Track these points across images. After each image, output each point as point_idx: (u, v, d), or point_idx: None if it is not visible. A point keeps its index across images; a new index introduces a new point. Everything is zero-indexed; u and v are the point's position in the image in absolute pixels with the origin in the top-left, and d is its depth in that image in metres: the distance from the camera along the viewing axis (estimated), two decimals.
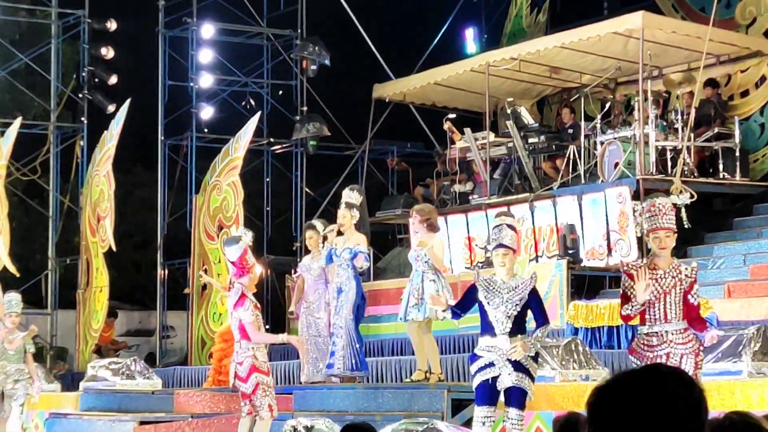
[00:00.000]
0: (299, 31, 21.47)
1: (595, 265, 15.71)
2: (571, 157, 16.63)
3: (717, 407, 9.47)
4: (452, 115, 19.13)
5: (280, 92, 21.98)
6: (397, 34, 22.71)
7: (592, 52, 17.55)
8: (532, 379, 9.18)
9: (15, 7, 22.52)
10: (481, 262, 16.08)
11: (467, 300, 9.37)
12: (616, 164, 15.79)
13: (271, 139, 21.69)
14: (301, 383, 13.64)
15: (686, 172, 15.71)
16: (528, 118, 17.92)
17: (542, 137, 17.50)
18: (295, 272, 14.08)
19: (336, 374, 12.77)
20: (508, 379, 9.06)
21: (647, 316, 8.45)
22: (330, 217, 15.03)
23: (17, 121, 20.57)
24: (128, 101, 19.74)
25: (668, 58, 17.21)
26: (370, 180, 21.16)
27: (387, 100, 20.25)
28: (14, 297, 14.83)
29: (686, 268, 8.47)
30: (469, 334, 14.10)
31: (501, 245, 9.22)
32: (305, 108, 21.37)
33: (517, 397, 9.10)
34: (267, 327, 14.61)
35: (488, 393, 9.15)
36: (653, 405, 2.70)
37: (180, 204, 20.96)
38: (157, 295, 20.83)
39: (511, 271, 9.24)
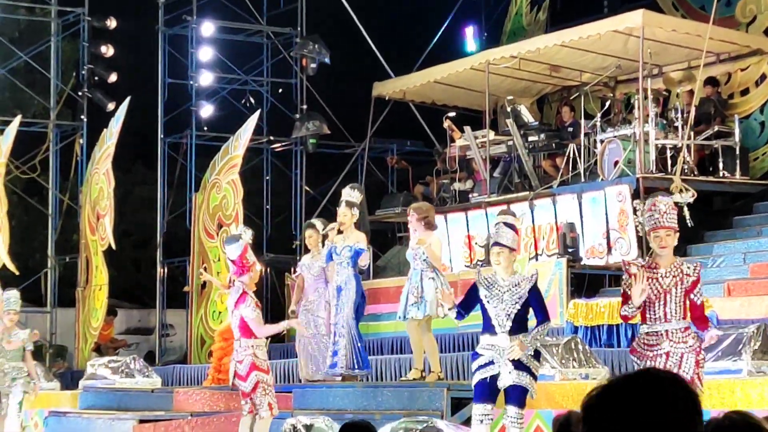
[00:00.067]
0: (299, 29, 21.46)
1: (595, 263, 15.70)
2: (571, 155, 16.63)
3: (717, 406, 9.47)
4: (452, 114, 19.12)
5: (280, 90, 21.96)
6: (397, 32, 22.70)
7: (592, 51, 17.54)
8: (534, 377, 9.15)
9: (15, 5, 22.50)
10: (481, 261, 16.09)
11: (470, 299, 9.37)
12: (616, 162, 15.78)
13: (271, 138, 21.68)
14: (300, 381, 13.63)
15: (686, 171, 15.71)
16: (528, 117, 17.91)
17: (542, 135, 17.49)
18: (295, 271, 14.07)
19: (340, 373, 12.76)
20: (508, 377, 9.05)
21: (647, 315, 8.43)
22: (330, 215, 15.01)
23: (17, 119, 20.56)
24: (128, 99, 19.73)
25: (668, 56, 17.20)
26: (369, 178, 21.15)
27: (387, 99, 20.24)
28: (13, 294, 14.84)
29: (688, 267, 8.44)
30: (469, 333, 14.10)
31: (496, 243, 9.24)
32: (305, 106, 21.35)
33: (516, 395, 9.08)
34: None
35: (487, 391, 9.14)
36: (648, 409, 2.72)
37: (179, 202, 20.95)
38: (157, 294, 20.82)
39: (510, 269, 9.22)
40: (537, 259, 16.07)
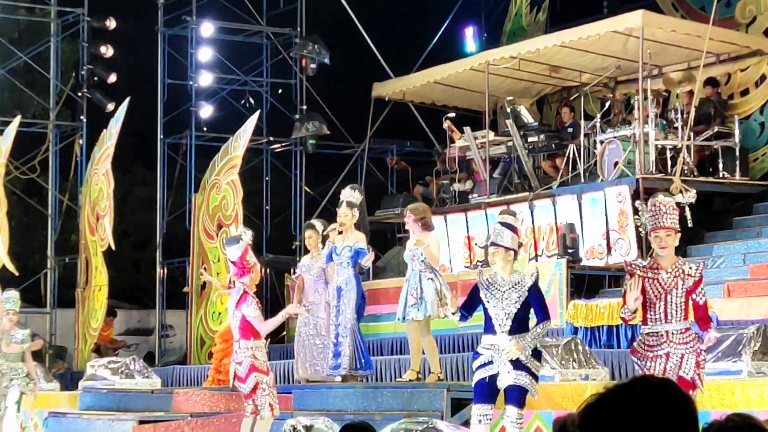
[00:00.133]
0: (299, 29, 21.45)
1: (595, 264, 15.70)
2: (571, 156, 16.63)
3: (717, 407, 9.48)
4: (452, 114, 19.12)
5: (280, 91, 21.96)
6: (397, 32, 22.69)
7: (591, 51, 17.54)
8: (535, 377, 9.14)
9: (14, 5, 22.50)
10: (480, 261, 16.08)
11: (472, 301, 9.37)
12: (616, 163, 15.78)
13: (271, 138, 21.67)
14: (297, 382, 13.62)
15: (686, 171, 15.70)
16: (528, 117, 17.91)
17: (542, 136, 17.49)
18: (295, 272, 14.07)
19: (343, 374, 12.76)
20: (507, 377, 9.05)
21: (648, 316, 8.43)
22: (330, 216, 15.01)
23: (16, 120, 20.56)
24: (127, 100, 19.73)
25: (668, 56, 17.20)
26: (369, 179, 21.14)
27: (386, 99, 20.24)
28: (12, 295, 14.83)
29: (690, 267, 8.43)
30: (469, 334, 14.10)
31: (492, 243, 9.25)
32: (305, 107, 21.35)
33: (515, 396, 9.08)
34: None
35: (486, 391, 9.14)
36: (644, 417, 2.76)
37: (179, 203, 20.95)
38: (156, 294, 20.81)
39: (508, 269, 9.21)
40: (537, 260, 16.06)
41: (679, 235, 8.55)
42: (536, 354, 9.21)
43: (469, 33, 22.78)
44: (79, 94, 21.63)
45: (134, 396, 15.17)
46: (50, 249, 21.90)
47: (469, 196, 18.09)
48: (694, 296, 8.39)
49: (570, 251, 15.59)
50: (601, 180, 15.95)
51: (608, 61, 17.72)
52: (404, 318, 12.06)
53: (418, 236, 12.04)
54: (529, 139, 17.47)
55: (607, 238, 15.56)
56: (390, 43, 21.66)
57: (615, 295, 13.92)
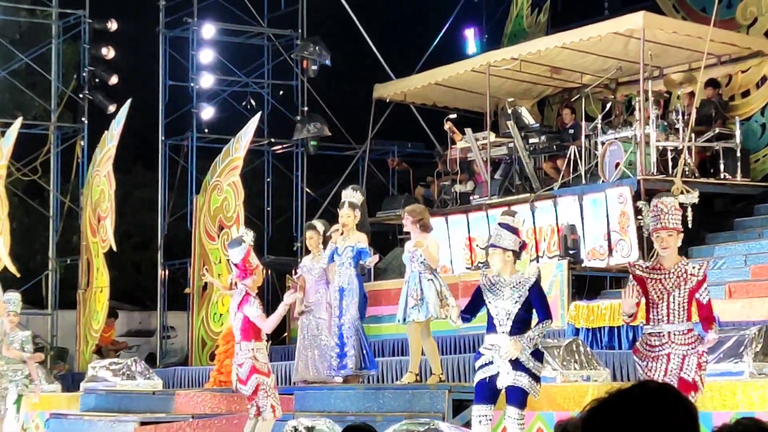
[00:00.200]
0: (300, 31, 21.46)
1: (596, 265, 15.70)
2: (572, 157, 16.63)
3: (718, 408, 9.48)
4: (453, 116, 19.13)
5: (281, 92, 21.97)
6: (398, 34, 22.69)
7: (592, 53, 17.54)
8: (536, 378, 9.13)
9: (15, 7, 22.52)
10: (482, 263, 16.07)
11: (475, 302, 9.38)
12: (617, 164, 15.78)
13: (272, 140, 21.68)
14: (294, 383, 13.62)
15: (687, 173, 15.71)
16: (529, 119, 17.91)
17: (543, 137, 17.50)
18: (296, 273, 14.08)
19: (349, 374, 12.77)
20: (506, 377, 9.05)
21: (651, 316, 8.44)
22: (331, 217, 15.01)
23: (18, 121, 20.57)
24: (129, 101, 19.74)
25: (669, 58, 17.20)
26: (370, 180, 21.14)
27: (388, 101, 20.24)
28: (13, 296, 14.83)
29: (693, 267, 8.44)
30: (470, 335, 14.11)
31: (492, 245, 9.27)
32: (306, 108, 21.36)
33: (515, 396, 9.08)
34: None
35: (486, 391, 9.14)
36: (645, 422, 2.77)
37: (180, 204, 20.96)
38: (158, 296, 20.83)
39: (508, 269, 9.21)
40: (538, 261, 16.06)
41: (681, 235, 8.56)
42: (538, 355, 9.20)
43: (470, 34, 22.79)
44: (81, 95, 21.64)
45: (135, 397, 15.17)
46: (51, 250, 21.91)
47: (471, 198, 18.10)
48: (697, 295, 8.40)
49: (571, 252, 15.59)
50: (602, 181, 15.96)
51: (609, 63, 17.73)
52: (405, 320, 12.06)
53: (417, 238, 12.05)
54: (530, 141, 17.47)
55: (609, 240, 15.56)
56: (391, 45, 21.66)
57: (616, 296, 13.92)
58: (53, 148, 21.97)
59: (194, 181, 20.63)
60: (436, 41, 21.96)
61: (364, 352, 12.74)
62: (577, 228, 15.85)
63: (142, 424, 13.46)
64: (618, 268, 15.21)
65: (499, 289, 9.13)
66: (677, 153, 15.78)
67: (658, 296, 8.38)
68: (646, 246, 14.37)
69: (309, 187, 21.70)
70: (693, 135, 16.03)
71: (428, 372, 12.36)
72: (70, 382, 18.44)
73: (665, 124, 16.06)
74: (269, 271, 19.63)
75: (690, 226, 13.13)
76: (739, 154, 16.48)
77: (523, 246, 9.46)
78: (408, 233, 12.48)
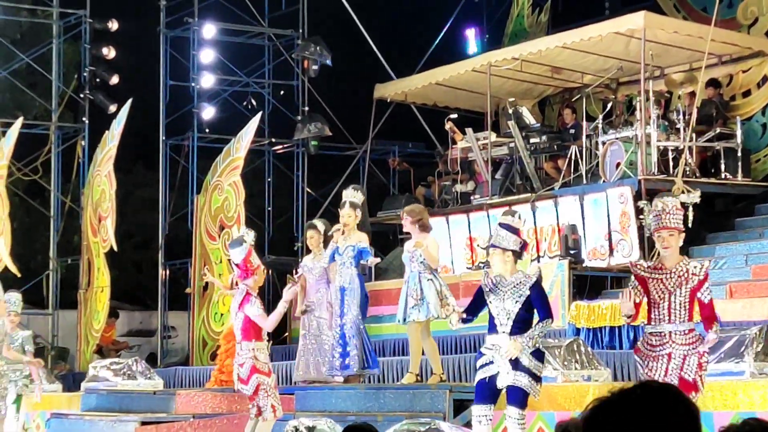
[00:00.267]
0: (300, 31, 21.46)
1: (597, 265, 15.70)
2: (573, 157, 16.63)
3: (719, 408, 9.48)
4: (454, 116, 19.13)
5: (282, 92, 21.97)
6: (399, 34, 22.69)
7: (593, 52, 17.55)
8: (537, 378, 9.13)
9: (16, 7, 22.52)
10: (482, 263, 16.07)
11: (476, 302, 9.38)
12: (618, 164, 15.78)
13: (273, 139, 21.68)
14: (294, 383, 13.62)
15: (688, 173, 15.71)
16: (529, 118, 17.92)
17: (544, 137, 17.50)
18: (297, 272, 14.09)
19: (352, 374, 12.77)
20: (506, 377, 9.05)
21: (652, 316, 8.44)
22: (331, 217, 15.01)
23: (18, 121, 20.58)
24: (129, 101, 19.74)
25: (670, 58, 17.20)
26: (371, 180, 21.14)
27: (388, 100, 20.24)
28: (14, 296, 14.83)
29: (695, 267, 8.44)
30: (470, 335, 14.11)
31: (491, 245, 9.27)
32: (307, 108, 21.36)
33: (515, 396, 9.07)
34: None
35: (486, 391, 9.14)
36: (646, 422, 2.78)
37: (181, 204, 20.96)
38: (159, 295, 20.83)
39: (508, 269, 9.21)
40: (539, 261, 16.06)
41: (683, 235, 8.56)
42: (539, 355, 9.19)
43: (471, 34, 22.80)
44: (81, 95, 21.64)
45: (136, 397, 15.17)
46: (52, 250, 21.92)
47: (471, 198, 18.10)
48: (699, 295, 8.40)
49: (572, 252, 15.59)
50: (603, 181, 15.96)
51: (610, 63, 17.73)
52: (405, 320, 12.05)
53: (417, 238, 12.05)
54: (531, 141, 17.47)
55: (609, 239, 15.56)
56: (392, 45, 21.66)
57: (617, 296, 13.82)
58: (54, 148, 21.98)
59: (195, 180, 20.64)
60: (437, 41, 21.96)
61: (367, 351, 12.75)
62: (578, 228, 15.85)
63: (143, 423, 13.46)
64: (619, 268, 15.21)
65: (500, 289, 9.13)
66: (678, 153, 15.78)
67: (659, 296, 8.38)
68: (647, 246, 14.38)
69: (310, 186, 21.70)
70: (694, 135, 16.03)
71: (429, 372, 12.36)
72: (71, 381, 18.45)
73: (666, 123, 16.06)
74: (270, 271, 19.63)
75: (691, 226, 13.14)
76: (740, 154, 16.48)
77: (523, 246, 9.46)
78: (408, 233, 12.47)
